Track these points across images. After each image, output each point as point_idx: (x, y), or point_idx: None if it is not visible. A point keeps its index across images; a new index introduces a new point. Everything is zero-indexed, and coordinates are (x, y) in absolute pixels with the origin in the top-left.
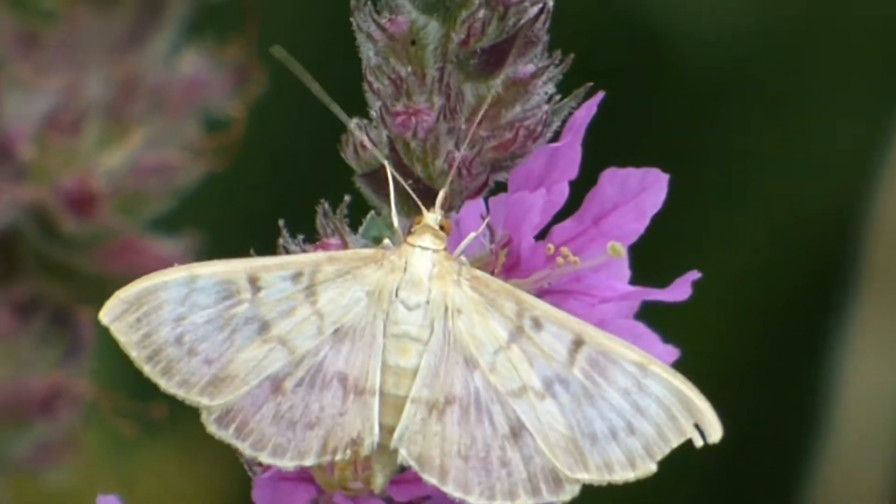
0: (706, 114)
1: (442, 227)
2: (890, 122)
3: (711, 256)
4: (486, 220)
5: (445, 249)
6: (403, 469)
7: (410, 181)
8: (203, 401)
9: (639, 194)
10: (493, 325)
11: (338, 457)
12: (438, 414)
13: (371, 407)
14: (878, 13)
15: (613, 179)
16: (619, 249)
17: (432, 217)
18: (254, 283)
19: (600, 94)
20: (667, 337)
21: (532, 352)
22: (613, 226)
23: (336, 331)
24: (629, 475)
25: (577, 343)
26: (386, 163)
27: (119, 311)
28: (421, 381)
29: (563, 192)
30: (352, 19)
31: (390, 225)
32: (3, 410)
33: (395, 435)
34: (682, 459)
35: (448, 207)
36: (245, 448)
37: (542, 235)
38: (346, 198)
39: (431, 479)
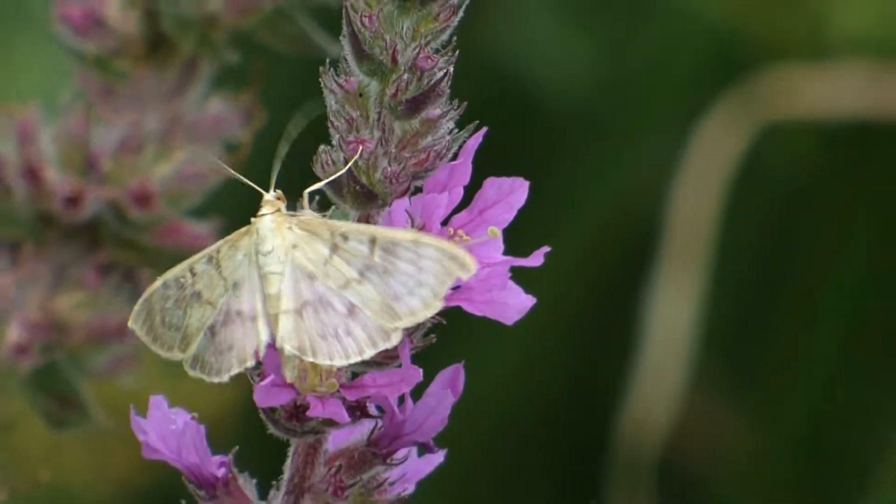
0: (554, 139)
1: (279, 198)
2: (682, 149)
3: (558, 239)
4: (409, 212)
5: (279, 211)
6: (354, 376)
7: (358, 187)
8: (179, 355)
9: (509, 195)
10: (318, 247)
11: (248, 364)
12: (300, 316)
13: (258, 326)
14: (677, 72)
15: (493, 184)
16: (496, 232)
17: (270, 194)
18: (192, 271)
19: (484, 129)
20: (527, 290)
21: (346, 256)
22: (493, 216)
23: (234, 285)
24: (427, 313)
25: (372, 241)
26: (342, 174)
27: (136, 317)
28: (286, 299)
29: (459, 194)
30: (320, 79)
31: (346, 214)
32: (90, 337)
33: (279, 338)
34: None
35: (380, 203)
36: (204, 376)
37: (445, 222)
38: (316, 197)
39: (307, 357)
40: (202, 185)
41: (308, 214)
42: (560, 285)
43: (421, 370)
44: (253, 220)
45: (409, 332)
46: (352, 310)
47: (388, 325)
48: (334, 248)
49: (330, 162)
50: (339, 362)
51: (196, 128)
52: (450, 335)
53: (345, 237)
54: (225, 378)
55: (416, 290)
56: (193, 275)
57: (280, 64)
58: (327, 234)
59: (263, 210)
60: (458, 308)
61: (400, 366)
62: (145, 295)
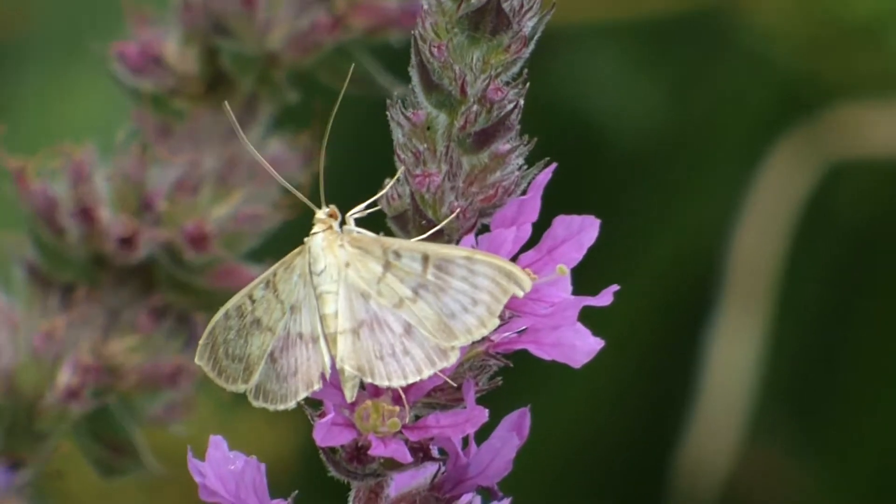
0: (620, 179)
1: (331, 215)
2: (748, 188)
3: (624, 278)
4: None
5: (331, 228)
6: (417, 418)
7: (424, 221)
8: (243, 387)
9: (579, 233)
10: (371, 265)
11: (316, 387)
12: (357, 335)
13: (321, 347)
14: (746, 111)
15: (562, 222)
16: (565, 270)
17: (321, 212)
18: (251, 298)
19: (554, 165)
20: (594, 331)
21: (399, 274)
22: (561, 254)
23: (291, 308)
24: (483, 331)
25: (425, 258)
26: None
27: (202, 351)
28: (342, 318)
29: (527, 231)
30: (387, 112)
31: None
32: (143, 382)
33: (338, 359)
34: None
35: (446, 239)
36: (268, 405)
37: (513, 260)
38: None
39: (366, 377)
40: (259, 227)
41: (360, 231)
42: (625, 326)
43: (487, 410)
44: (306, 239)
45: (475, 374)
46: (408, 329)
47: (444, 343)
48: (387, 266)
49: (396, 196)
50: (397, 382)
51: (255, 168)
52: (513, 376)
53: (397, 255)
54: (291, 404)
55: (471, 307)
56: (252, 302)
57: (342, 105)
58: (379, 251)
59: (315, 228)
60: (525, 352)
61: (465, 407)
62: (209, 327)
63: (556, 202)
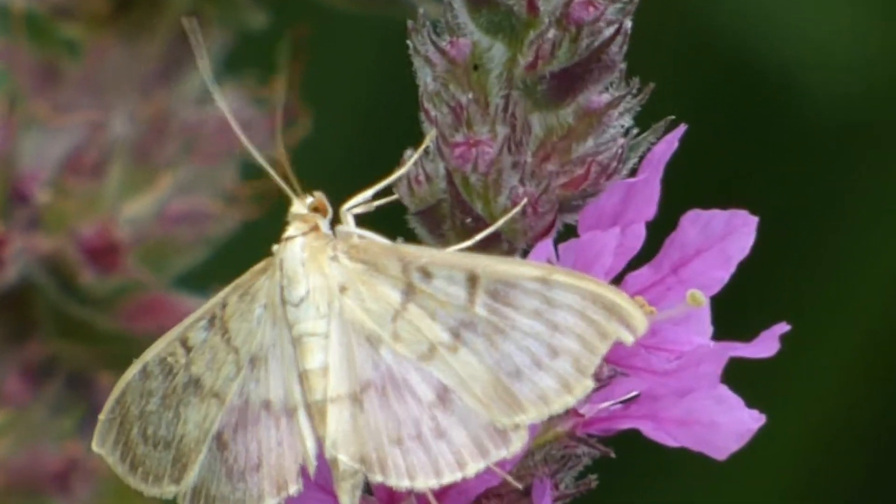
0: (812, 158)
1: (317, 209)
2: None
3: (814, 315)
4: (553, 263)
5: (317, 229)
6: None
7: (469, 219)
8: (172, 488)
9: (724, 238)
10: (383, 290)
11: (292, 490)
12: (359, 405)
13: (300, 425)
14: None
15: (696, 222)
16: (701, 299)
17: (298, 204)
18: (185, 344)
19: (683, 128)
20: (757, 401)
21: (429, 305)
22: (695, 273)
23: (251, 360)
24: (568, 399)
25: (472, 279)
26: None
27: (104, 434)
28: (335, 377)
29: (638, 235)
30: (409, 42)
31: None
32: (13, 486)
33: (328, 443)
34: None
35: (507, 247)
36: None
37: (615, 282)
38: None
39: (374, 475)
40: (201, 233)
41: (363, 234)
42: (820, 387)
43: None
44: (276, 247)
45: (553, 470)
46: (443, 395)
47: (503, 419)
48: (409, 292)
49: (422, 178)
50: (425, 483)
51: (195, 136)
52: (620, 472)
53: (426, 273)
54: None
55: (547, 361)
56: (187, 350)
57: (343, 35)
58: (397, 267)
59: (291, 229)
60: (635, 433)
61: None
62: (116, 392)
63: (687, 190)
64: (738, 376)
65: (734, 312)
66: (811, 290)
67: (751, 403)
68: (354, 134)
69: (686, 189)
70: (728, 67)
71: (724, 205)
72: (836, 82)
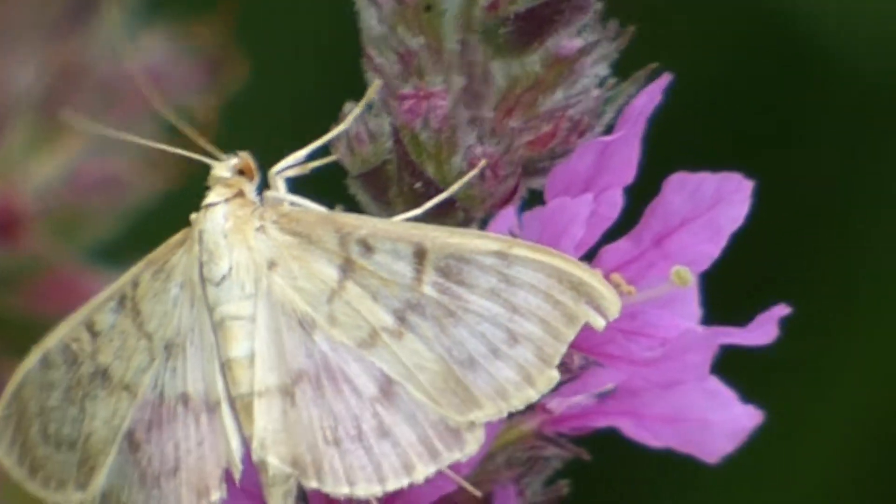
0: (848, 119)
1: (242, 172)
2: None
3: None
4: (514, 234)
5: (242, 195)
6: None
7: (419, 184)
8: (77, 495)
9: (714, 206)
10: (318, 266)
11: (214, 498)
12: (290, 399)
13: (223, 421)
14: None
15: (682, 187)
16: (687, 277)
17: (222, 166)
18: (91, 329)
19: (667, 77)
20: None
21: (371, 283)
22: (680, 247)
23: (166, 347)
24: (530, 394)
25: (420, 254)
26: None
27: (0, 434)
28: (262, 367)
29: (615, 202)
30: None
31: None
32: None
33: (255, 443)
34: None
35: (462, 216)
36: None
37: (588, 258)
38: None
39: (310, 481)
40: (119, 201)
41: (296, 201)
42: (871, 378)
43: None
44: (194, 216)
45: (518, 474)
46: (387, 388)
47: (456, 415)
48: (348, 269)
49: (364, 136)
50: (367, 489)
51: (111, 88)
52: (603, 478)
53: (367, 247)
54: None
55: (505, 348)
56: (94, 336)
57: None
58: (334, 239)
59: (212, 195)
60: (614, 434)
61: None
62: (12, 385)
63: (671, 151)
64: (778, 365)
65: (751, 295)
66: (862, 271)
67: (794, 396)
68: (292, 86)
69: (671, 149)
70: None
71: (715, 168)
72: (845, 30)
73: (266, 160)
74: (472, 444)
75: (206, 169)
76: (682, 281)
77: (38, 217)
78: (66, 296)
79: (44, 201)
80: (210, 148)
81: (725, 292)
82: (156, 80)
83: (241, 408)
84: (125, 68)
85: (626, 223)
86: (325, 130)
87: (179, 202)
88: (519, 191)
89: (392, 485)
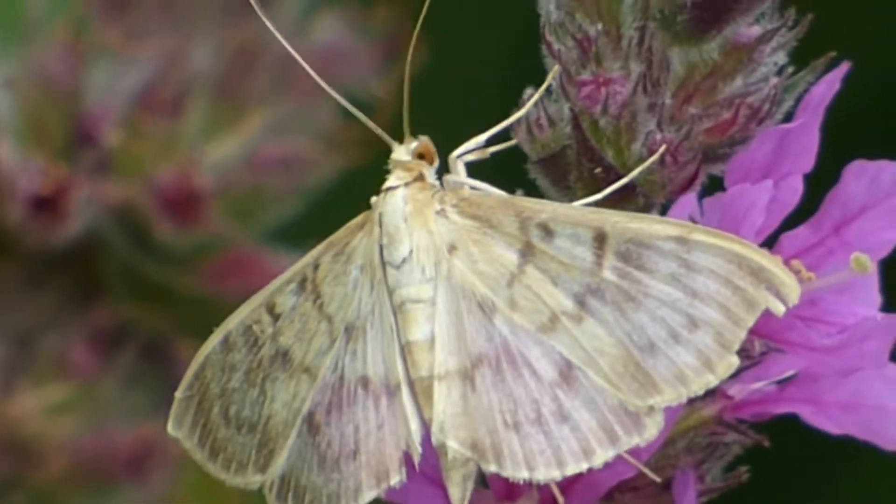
0: None
1: (422, 156)
2: None
3: None
4: (694, 220)
5: (422, 179)
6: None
7: (598, 169)
8: (257, 477)
9: (893, 194)
10: (498, 250)
11: (394, 481)
12: (470, 384)
13: (403, 405)
14: None
15: (861, 175)
16: (867, 264)
17: (401, 149)
18: (272, 311)
19: (846, 66)
20: None
21: (551, 268)
22: (859, 234)
23: (346, 330)
24: (709, 379)
25: (600, 238)
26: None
27: (180, 414)
28: (442, 350)
29: (795, 189)
30: None
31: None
32: (79, 472)
33: (435, 427)
34: None
35: (642, 202)
36: None
37: (768, 244)
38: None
39: (490, 466)
40: (298, 181)
41: (476, 185)
42: None
43: None
44: (375, 199)
45: (698, 461)
46: (566, 373)
47: (636, 400)
48: (528, 253)
49: (544, 121)
50: (546, 474)
51: (289, 69)
52: (779, 463)
53: (547, 231)
54: None
55: (686, 334)
56: (275, 318)
57: None
58: (514, 223)
59: (392, 179)
60: (792, 418)
61: None
62: (194, 366)
63: (851, 139)
64: None
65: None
66: None
67: None
68: (472, 71)
69: (850, 137)
70: None
71: (894, 157)
72: None
73: (446, 144)
74: (652, 429)
75: (385, 150)
76: (861, 268)
77: (217, 197)
78: (245, 276)
79: (223, 181)
80: (383, 134)
81: None
82: (332, 61)
83: (421, 391)
84: (305, 49)
85: (805, 210)
86: (506, 115)
87: (358, 182)
88: (699, 177)
89: (571, 469)
